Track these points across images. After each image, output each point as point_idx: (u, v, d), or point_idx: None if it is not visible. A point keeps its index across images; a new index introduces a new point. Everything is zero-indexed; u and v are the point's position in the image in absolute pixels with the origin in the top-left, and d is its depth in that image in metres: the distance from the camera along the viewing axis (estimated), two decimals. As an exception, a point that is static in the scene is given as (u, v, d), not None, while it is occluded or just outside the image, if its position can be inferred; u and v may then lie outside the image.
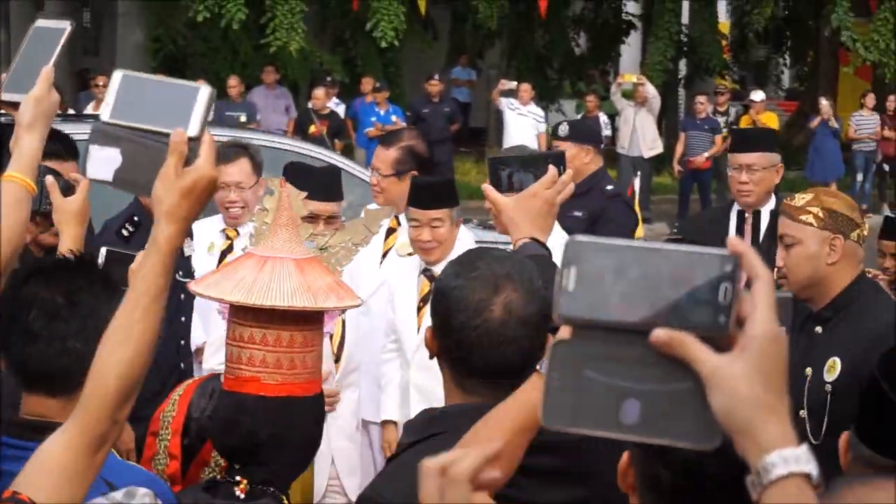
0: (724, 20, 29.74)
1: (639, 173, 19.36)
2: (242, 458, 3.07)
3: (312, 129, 17.65)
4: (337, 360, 5.32)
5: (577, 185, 7.55)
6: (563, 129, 7.73)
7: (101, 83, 18.53)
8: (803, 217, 4.43)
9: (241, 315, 3.02)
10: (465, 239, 5.82)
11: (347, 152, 17.70)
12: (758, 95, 21.13)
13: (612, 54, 29.59)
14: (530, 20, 26.09)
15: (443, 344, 2.66)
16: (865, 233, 4.47)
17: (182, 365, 5.84)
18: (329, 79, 20.30)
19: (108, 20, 25.46)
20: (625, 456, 2.19)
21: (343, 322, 5.36)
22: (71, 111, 18.83)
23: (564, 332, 1.64)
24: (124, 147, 2.39)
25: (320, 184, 5.33)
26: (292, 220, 3.20)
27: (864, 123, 21.95)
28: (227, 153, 6.18)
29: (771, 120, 20.67)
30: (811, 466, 1.56)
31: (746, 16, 24.81)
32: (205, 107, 2.37)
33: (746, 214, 6.49)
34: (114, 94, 2.41)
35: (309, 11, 21.59)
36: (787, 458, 1.55)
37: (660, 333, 1.57)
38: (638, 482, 2.03)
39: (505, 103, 20.42)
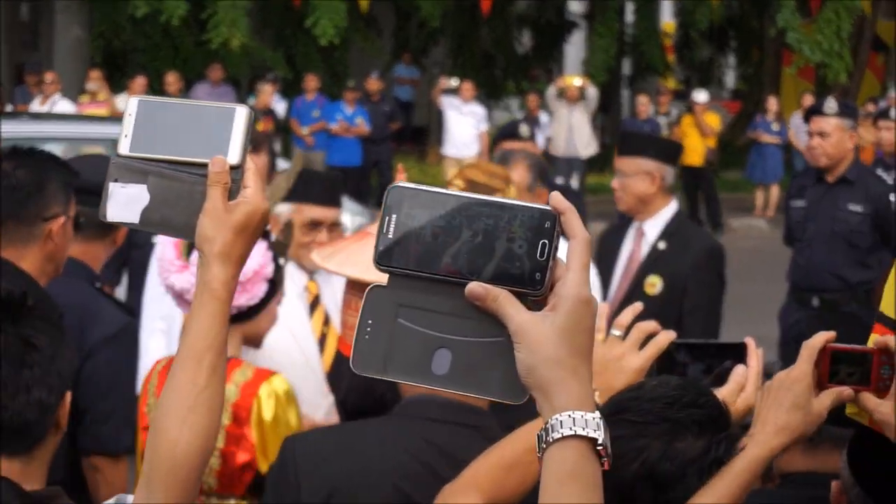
0: (670, 20, 29.81)
1: (574, 174, 19.28)
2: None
3: (260, 126, 17.46)
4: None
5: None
6: (525, 130, 7.78)
7: (48, 79, 18.20)
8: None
9: (359, 287, 3.38)
10: None
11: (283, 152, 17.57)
12: (701, 96, 21.11)
13: (554, 53, 29.59)
14: (474, 18, 26.02)
15: None
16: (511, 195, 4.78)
17: None
18: (271, 75, 20.11)
19: (46, 14, 25.17)
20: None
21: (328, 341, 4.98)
22: (9, 107, 18.60)
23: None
24: (152, 183, 2.06)
25: (323, 189, 5.01)
26: None
27: (803, 125, 21.96)
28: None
29: (714, 120, 20.70)
30: (599, 433, 1.54)
31: (690, 15, 24.84)
32: (244, 129, 2.07)
33: (638, 227, 6.43)
34: (132, 122, 2.07)
35: (250, 8, 21.39)
36: (575, 420, 1.53)
37: (474, 287, 1.55)
38: None
39: (446, 102, 20.34)
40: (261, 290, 3.82)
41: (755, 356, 2.72)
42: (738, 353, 2.79)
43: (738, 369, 2.68)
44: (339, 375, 3.94)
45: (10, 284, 3.49)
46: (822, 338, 2.38)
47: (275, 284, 3.86)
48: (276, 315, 3.99)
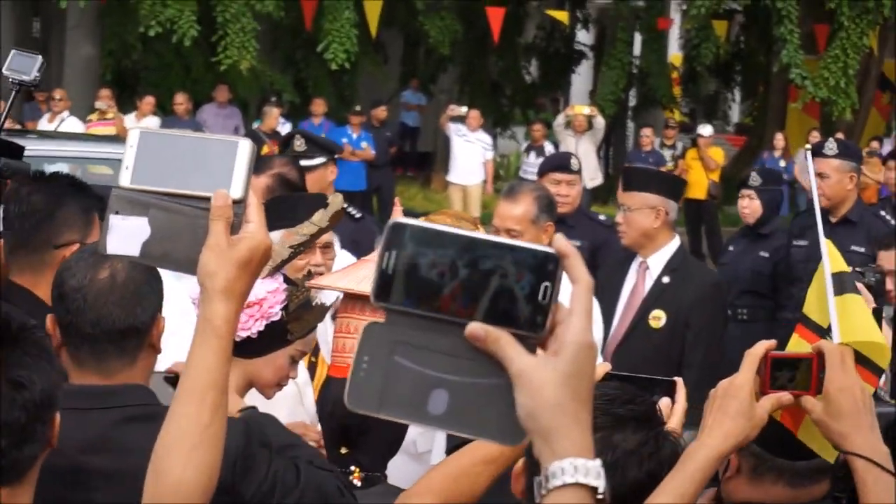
0: (677, 52, 29.87)
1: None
2: (354, 439, 3.29)
3: (266, 149, 17.49)
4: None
5: (571, 216, 7.43)
6: (576, 164, 7.78)
7: (57, 97, 18.27)
8: None
9: (350, 308, 3.39)
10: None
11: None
12: (706, 130, 21.17)
13: (562, 83, 29.68)
14: (483, 46, 26.12)
15: (59, 321, 2.95)
16: None
17: None
18: (274, 98, 20.19)
19: (57, 31, 25.27)
20: (519, 462, 2.46)
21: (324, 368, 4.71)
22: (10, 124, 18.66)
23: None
24: (153, 216, 2.04)
25: (311, 211, 5.00)
26: None
27: (807, 163, 21.91)
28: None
29: (717, 154, 20.75)
30: (600, 482, 1.53)
31: (695, 49, 24.90)
32: (247, 163, 2.04)
33: (641, 261, 6.46)
34: (133, 154, 2.05)
35: (261, 30, 21.49)
36: (577, 468, 1.52)
37: (474, 327, 1.53)
38: (527, 491, 2.28)
39: (453, 129, 20.40)
40: (254, 325, 3.40)
41: (682, 393, 2.86)
42: (667, 389, 2.89)
43: (663, 401, 2.81)
44: (324, 399, 3.74)
45: (23, 312, 3.47)
46: (762, 346, 2.50)
47: (282, 332, 3.42)
48: (284, 372, 3.51)
